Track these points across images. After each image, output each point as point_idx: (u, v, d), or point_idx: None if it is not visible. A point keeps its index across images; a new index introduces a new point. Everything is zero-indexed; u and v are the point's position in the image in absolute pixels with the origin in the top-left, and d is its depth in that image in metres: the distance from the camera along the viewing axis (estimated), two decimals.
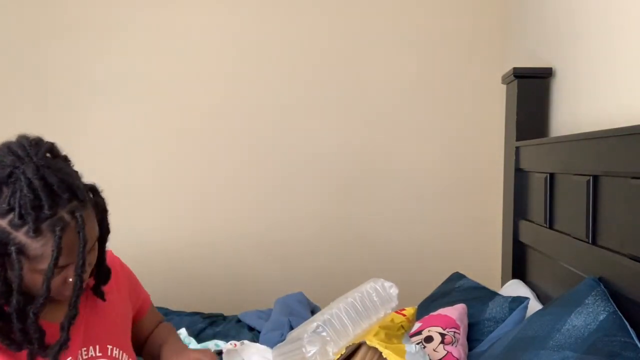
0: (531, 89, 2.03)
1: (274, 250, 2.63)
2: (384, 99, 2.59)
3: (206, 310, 2.40)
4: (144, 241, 2.54)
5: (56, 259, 0.83)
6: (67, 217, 0.85)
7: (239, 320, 2.22)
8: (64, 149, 0.96)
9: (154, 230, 2.61)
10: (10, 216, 0.82)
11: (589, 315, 1.17)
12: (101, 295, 1.05)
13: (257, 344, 1.83)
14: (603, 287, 1.25)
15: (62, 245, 0.83)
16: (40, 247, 0.83)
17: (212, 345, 1.92)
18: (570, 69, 1.84)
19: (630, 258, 1.18)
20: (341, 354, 1.27)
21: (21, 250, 0.83)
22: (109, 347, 1.04)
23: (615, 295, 1.22)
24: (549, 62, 2.01)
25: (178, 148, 2.61)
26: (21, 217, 0.82)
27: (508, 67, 2.13)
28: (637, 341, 1.10)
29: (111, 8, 2.58)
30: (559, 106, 1.95)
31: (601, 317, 1.15)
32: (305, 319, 1.84)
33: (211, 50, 2.60)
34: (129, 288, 1.18)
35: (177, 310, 2.31)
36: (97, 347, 1.02)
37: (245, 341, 1.90)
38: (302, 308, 2.10)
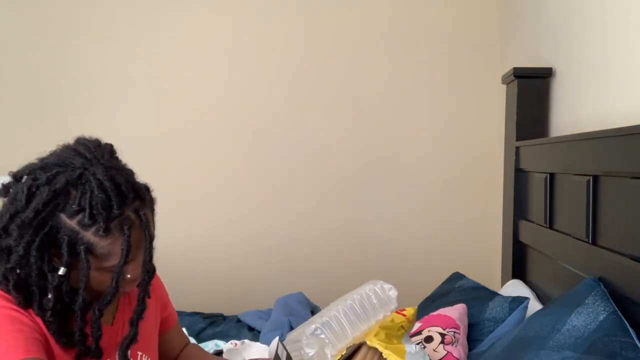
0: (531, 89, 2.03)
1: (274, 251, 2.63)
2: (384, 99, 2.59)
3: (206, 310, 2.40)
4: None
5: (126, 256, 0.86)
6: (132, 215, 0.88)
7: (239, 320, 2.22)
8: None
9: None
10: (80, 216, 0.84)
11: (589, 315, 1.17)
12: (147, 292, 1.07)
13: (258, 343, 1.83)
14: (603, 287, 1.25)
15: (130, 243, 0.86)
16: (107, 245, 0.86)
17: (212, 345, 1.92)
18: (570, 69, 1.84)
19: (630, 258, 1.18)
20: (341, 354, 1.27)
21: (89, 249, 0.85)
22: (139, 353, 1.05)
23: (615, 295, 1.22)
24: (549, 62, 2.01)
25: (178, 149, 2.61)
26: (92, 217, 0.84)
27: (508, 67, 2.13)
28: (637, 341, 1.10)
29: (112, 9, 2.58)
30: (559, 106, 1.95)
31: (601, 317, 1.15)
32: (305, 319, 1.84)
33: (211, 50, 2.60)
34: (159, 296, 1.20)
35: (177, 310, 2.30)
36: (129, 352, 1.02)
37: (246, 340, 1.90)
38: (302, 308, 2.10)
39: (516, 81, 2.04)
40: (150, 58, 2.59)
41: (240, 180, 2.62)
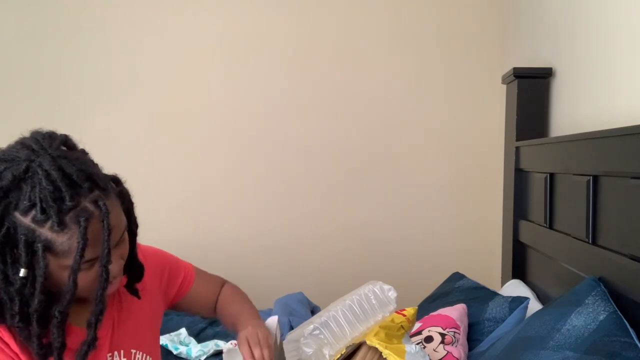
0: (531, 89, 2.03)
1: (274, 251, 2.63)
2: (385, 99, 2.59)
3: None
4: (143, 241, 2.53)
5: (82, 250, 0.79)
6: (90, 206, 0.81)
7: None
8: None
9: (152, 230, 2.60)
10: (33, 212, 0.78)
11: (589, 315, 1.17)
12: (135, 293, 1.02)
13: None
14: (603, 287, 1.25)
15: (87, 236, 0.79)
16: (66, 240, 0.79)
17: (212, 345, 1.92)
18: (570, 69, 1.85)
19: (630, 258, 1.18)
20: (341, 354, 1.27)
21: (48, 247, 0.79)
22: (133, 351, 1.02)
23: (615, 295, 1.22)
24: (549, 62, 2.01)
25: (179, 149, 2.61)
26: (43, 211, 0.78)
27: (508, 67, 2.13)
28: (637, 341, 1.10)
29: (111, 9, 2.58)
30: (559, 106, 1.95)
31: (601, 317, 1.15)
32: (305, 319, 1.84)
33: (212, 50, 2.59)
34: (160, 277, 1.13)
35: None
36: (122, 352, 1.00)
37: None
38: (302, 308, 2.10)
39: (516, 81, 2.04)
40: (151, 59, 2.59)
41: (240, 180, 2.62)
